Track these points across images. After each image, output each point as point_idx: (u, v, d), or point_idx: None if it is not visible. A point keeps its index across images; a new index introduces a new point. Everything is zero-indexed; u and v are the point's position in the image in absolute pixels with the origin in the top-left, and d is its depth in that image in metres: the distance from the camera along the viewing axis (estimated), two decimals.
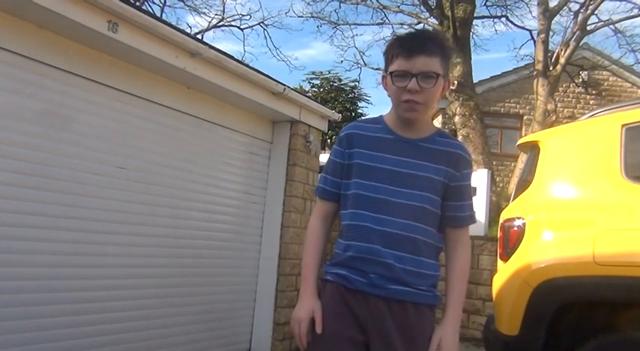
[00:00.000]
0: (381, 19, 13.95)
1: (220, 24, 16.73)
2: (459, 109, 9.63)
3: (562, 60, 10.72)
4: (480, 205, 6.11)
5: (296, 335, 1.65)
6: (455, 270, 1.68)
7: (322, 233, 1.76)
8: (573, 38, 11.03)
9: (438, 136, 1.67)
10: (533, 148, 3.23)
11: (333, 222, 1.79)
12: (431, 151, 1.63)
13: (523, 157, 7.29)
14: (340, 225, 1.70)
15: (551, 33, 11.41)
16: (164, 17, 13.58)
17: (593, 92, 13.86)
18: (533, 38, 12.32)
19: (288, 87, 4.66)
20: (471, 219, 1.70)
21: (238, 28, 16.73)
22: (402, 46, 1.58)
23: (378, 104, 18.45)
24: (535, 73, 10.86)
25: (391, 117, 1.69)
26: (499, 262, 3.02)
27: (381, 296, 1.57)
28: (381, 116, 1.74)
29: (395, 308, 1.57)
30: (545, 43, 10.69)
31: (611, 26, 12.50)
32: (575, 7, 11.59)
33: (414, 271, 1.59)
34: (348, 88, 15.69)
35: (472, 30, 11.54)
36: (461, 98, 9.65)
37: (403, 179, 1.61)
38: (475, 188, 6.24)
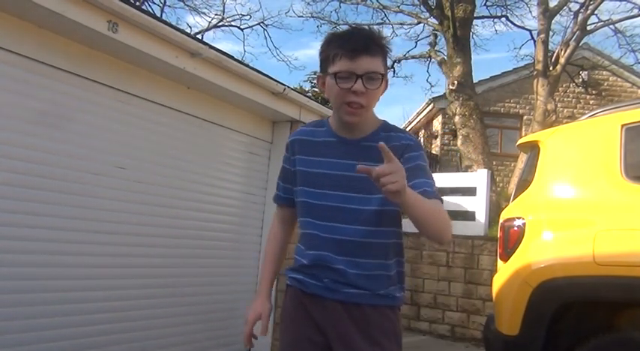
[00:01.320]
0: (381, 19, 13.96)
1: (220, 24, 16.75)
2: (458, 109, 9.63)
3: (562, 60, 10.72)
4: (479, 205, 6.11)
5: (244, 334, 1.70)
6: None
7: (280, 237, 1.81)
8: (573, 38, 11.02)
9: (382, 130, 1.59)
10: (533, 148, 3.24)
11: (294, 224, 1.81)
12: (373, 150, 1.41)
13: (523, 157, 7.29)
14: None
15: (551, 33, 11.41)
16: (164, 17, 13.58)
17: (593, 92, 13.87)
18: (533, 38, 12.32)
19: (288, 87, 4.66)
20: (430, 194, 1.48)
21: (238, 28, 16.75)
22: (344, 47, 1.50)
23: (377, 104, 18.34)
24: (535, 73, 10.86)
25: (334, 118, 1.64)
26: (499, 262, 3.02)
27: (337, 300, 1.56)
28: (326, 119, 1.70)
29: (353, 311, 1.56)
30: (545, 43, 10.69)
31: (611, 26, 12.50)
32: (575, 7, 11.59)
33: (369, 275, 1.55)
34: None
35: (472, 30, 11.54)
36: (461, 98, 9.65)
37: (350, 183, 1.54)
38: (475, 188, 6.23)
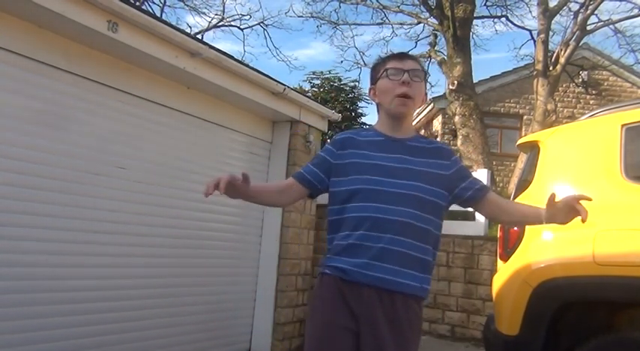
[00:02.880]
0: (381, 19, 13.96)
1: (220, 24, 16.73)
2: (458, 109, 9.62)
3: (562, 60, 10.71)
4: None
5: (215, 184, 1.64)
6: (517, 207, 1.99)
7: (279, 188, 1.95)
8: (573, 38, 11.02)
9: (419, 136, 1.93)
10: (533, 148, 3.23)
11: (290, 197, 1.94)
12: (418, 149, 1.84)
13: (523, 157, 7.29)
14: (330, 222, 1.84)
15: (551, 33, 11.40)
16: (164, 17, 13.58)
17: (593, 92, 13.86)
18: (533, 38, 12.31)
19: (288, 87, 4.66)
20: (486, 187, 1.92)
21: (238, 28, 16.74)
22: (394, 55, 1.88)
23: (378, 104, 18.36)
24: (535, 73, 10.85)
25: (380, 123, 1.91)
26: (499, 262, 3.02)
27: (373, 286, 1.70)
28: (371, 126, 1.97)
29: (385, 300, 1.70)
30: (545, 43, 10.68)
31: (611, 26, 12.49)
32: (575, 7, 11.58)
33: (411, 255, 1.72)
34: (348, 88, 15.69)
35: (472, 30, 11.54)
36: (461, 98, 9.64)
37: (399, 172, 1.76)
38: None
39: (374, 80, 1.90)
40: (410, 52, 2.11)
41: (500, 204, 1.91)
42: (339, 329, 1.72)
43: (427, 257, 1.77)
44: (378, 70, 1.88)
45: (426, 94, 1.93)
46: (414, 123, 16.01)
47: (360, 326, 1.71)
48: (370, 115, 15.10)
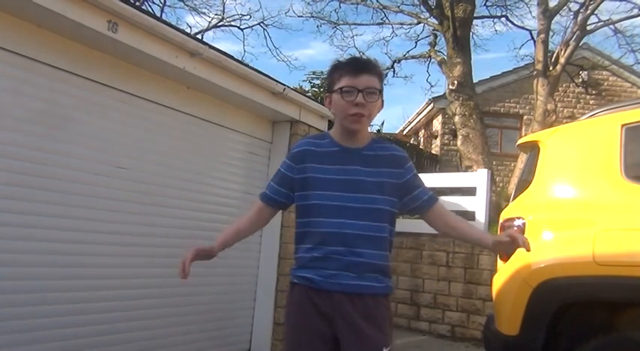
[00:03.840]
0: (381, 19, 13.98)
1: (220, 24, 16.74)
2: (458, 109, 9.62)
3: (562, 60, 10.72)
4: (479, 205, 6.11)
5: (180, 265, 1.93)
6: (461, 225, 1.95)
7: (251, 223, 2.03)
8: (573, 38, 11.02)
9: (375, 143, 1.92)
10: (533, 148, 3.23)
11: (263, 221, 2.05)
12: (372, 158, 1.87)
13: (523, 157, 7.29)
14: (296, 234, 1.92)
15: (551, 33, 11.41)
16: (164, 17, 13.57)
17: (593, 92, 13.87)
18: (533, 38, 12.32)
19: (288, 87, 4.66)
20: (434, 197, 1.94)
21: (238, 28, 16.74)
22: (348, 67, 1.82)
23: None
24: (535, 73, 10.86)
25: (336, 131, 1.91)
26: (499, 262, 3.02)
27: (342, 292, 1.78)
28: (327, 132, 1.98)
29: (355, 301, 1.78)
30: (545, 43, 10.69)
31: (611, 26, 12.51)
32: (575, 7, 11.59)
33: (374, 264, 1.81)
34: None
35: (472, 30, 11.55)
36: (461, 98, 9.64)
37: (355, 186, 1.82)
38: (475, 188, 6.23)
39: (329, 88, 1.88)
40: (368, 57, 1.95)
41: (445, 218, 1.94)
42: (311, 333, 1.81)
43: (386, 263, 1.87)
44: (332, 80, 1.86)
45: (382, 101, 1.90)
46: (413, 124, 16.05)
47: (334, 325, 1.79)
48: None
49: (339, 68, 1.84)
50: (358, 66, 1.81)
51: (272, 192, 1.99)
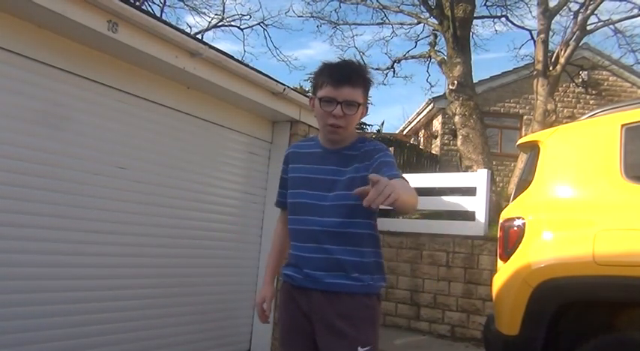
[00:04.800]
0: (381, 19, 13.97)
1: (220, 24, 16.73)
2: (458, 109, 9.62)
3: (562, 60, 10.71)
4: (479, 205, 6.10)
5: (257, 313, 2.08)
6: None
7: (283, 233, 2.08)
8: (573, 38, 11.01)
9: (358, 142, 1.91)
10: (533, 148, 3.23)
11: None
12: (350, 157, 1.87)
13: (523, 157, 7.29)
14: None
15: (551, 33, 11.39)
16: (164, 17, 13.57)
17: (593, 92, 13.87)
18: (533, 38, 12.31)
19: (288, 87, 4.66)
20: (397, 177, 1.69)
21: (238, 28, 16.73)
22: (331, 76, 1.79)
23: (377, 104, 18.40)
24: (535, 73, 10.85)
25: (320, 133, 1.96)
26: (499, 262, 3.02)
27: (318, 289, 1.81)
28: (315, 136, 2.03)
29: (333, 299, 1.80)
30: (545, 43, 10.68)
31: (611, 26, 12.49)
32: (575, 7, 11.58)
33: (345, 260, 1.80)
34: None
35: (472, 30, 11.54)
36: (461, 98, 9.63)
37: (330, 185, 1.85)
38: (475, 188, 6.23)
39: (313, 91, 1.89)
40: (355, 65, 1.89)
41: None
42: (293, 331, 1.89)
43: (365, 259, 1.83)
44: (316, 83, 1.86)
45: (366, 107, 1.89)
46: (413, 124, 16.05)
47: (312, 324, 1.83)
48: (371, 115, 15.08)
49: (324, 75, 1.83)
50: (341, 78, 1.79)
51: (280, 196, 2.07)
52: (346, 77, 1.79)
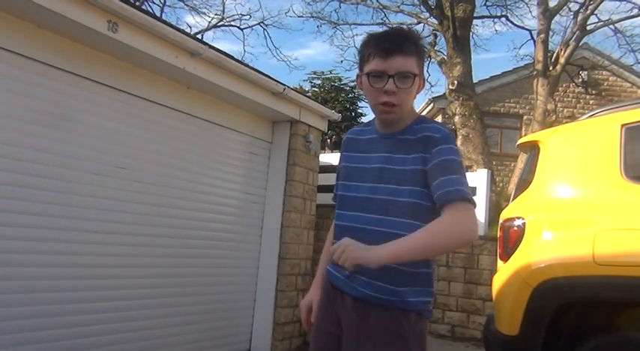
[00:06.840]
0: (381, 19, 13.93)
1: (220, 24, 16.71)
2: (458, 109, 9.62)
3: (562, 60, 10.71)
4: (479, 205, 6.10)
5: (302, 320, 1.84)
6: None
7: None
8: (573, 38, 11.01)
9: (415, 124, 1.60)
10: (533, 148, 3.23)
11: None
12: (404, 143, 1.58)
13: (523, 157, 7.29)
14: None
15: (551, 33, 11.38)
16: (164, 17, 13.57)
17: (593, 92, 13.85)
18: (533, 38, 12.30)
19: (288, 87, 4.66)
20: (452, 194, 1.47)
21: (238, 28, 16.71)
22: (378, 46, 1.53)
23: None
24: (535, 73, 10.85)
25: (376, 117, 1.70)
26: (499, 262, 3.02)
27: (351, 295, 1.61)
28: (373, 119, 1.75)
29: (361, 309, 1.59)
30: (545, 43, 10.68)
31: (611, 26, 12.48)
32: (575, 7, 11.57)
33: (387, 267, 1.48)
34: (348, 88, 15.70)
35: (472, 30, 11.53)
36: (461, 98, 9.63)
37: (376, 175, 1.60)
38: (475, 188, 6.23)
39: (360, 67, 1.62)
40: (404, 29, 1.66)
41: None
42: (323, 332, 1.71)
43: (408, 268, 1.54)
44: (362, 58, 1.59)
45: (424, 80, 1.62)
46: None
47: (341, 330, 1.65)
48: (370, 115, 15.11)
49: (370, 46, 1.56)
50: (391, 46, 1.51)
51: (335, 189, 1.79)
52: (397, 45, 1.51)
